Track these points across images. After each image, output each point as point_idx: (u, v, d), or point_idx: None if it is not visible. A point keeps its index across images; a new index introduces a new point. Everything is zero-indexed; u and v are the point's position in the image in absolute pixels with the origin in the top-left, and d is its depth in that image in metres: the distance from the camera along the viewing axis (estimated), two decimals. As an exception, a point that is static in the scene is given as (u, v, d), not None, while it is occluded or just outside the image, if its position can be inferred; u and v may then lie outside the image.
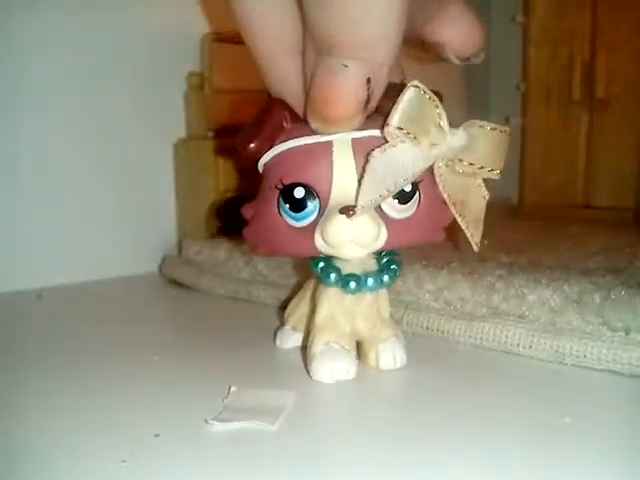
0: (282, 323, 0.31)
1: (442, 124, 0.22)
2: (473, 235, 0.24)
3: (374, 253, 0.25)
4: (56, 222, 0.42)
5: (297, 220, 0.23)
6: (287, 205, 0.23)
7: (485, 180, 0.24)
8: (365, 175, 0.22)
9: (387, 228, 0.23)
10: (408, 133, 0.22)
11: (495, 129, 0.23)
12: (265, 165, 0.25)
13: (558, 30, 0.62)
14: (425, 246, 0.25)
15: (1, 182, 0.40)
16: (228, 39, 0.46)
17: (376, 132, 0.23)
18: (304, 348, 0.27)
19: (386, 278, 0.25)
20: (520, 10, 0.65)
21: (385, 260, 0.26)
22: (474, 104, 0.69)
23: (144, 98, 0.45)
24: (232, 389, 0.24)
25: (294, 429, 0.21)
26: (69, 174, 0.43)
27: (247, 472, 0.18)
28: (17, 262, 0.41)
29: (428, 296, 0.32)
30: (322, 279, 0.25)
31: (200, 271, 0.42)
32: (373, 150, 0.22)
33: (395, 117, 0.22)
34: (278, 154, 0.24)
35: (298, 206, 0.23)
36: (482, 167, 0.23)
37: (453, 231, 0.25)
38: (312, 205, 0.23)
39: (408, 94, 0.22)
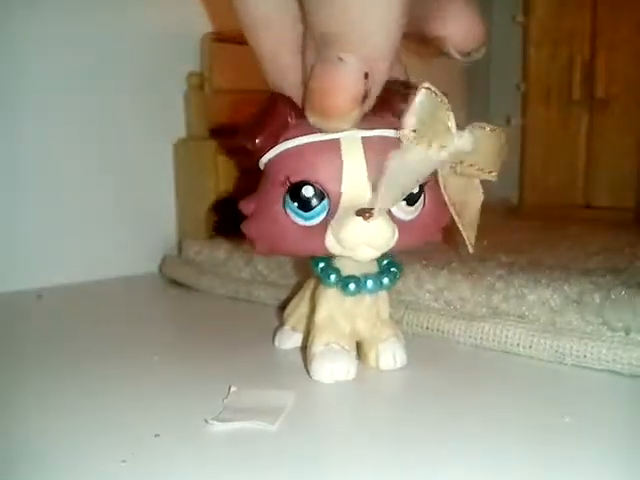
0: (281, 323, 0.31)
1: (450, 126, 0.22)
2: (469, 236, 0.24)
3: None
4: (56, 222, 0.42)
5: (306, 219, 0.23)
6: (295, 204, 0.23)
7: (482, 181, 0.24)
8: (384, 178, 0.22)
9: (397, 231, 0.23)
10: (422, 136, 0.22)
11: (494, 131, 0.23)
12: (269, 161, 0.24)
13: (558, 30, 0.62)
14: (424, 246, 0.25)
15: (1, 182, 0.40)
16: (228, 39, 0.46)
17: (386, 132, 0.23)
18: (304, 348, 0.27)
19: (386, 280, 0.25)
20: (520, 10, 0.65)
21: (385, 262, 0.26)
22: (474, 104, 0.69)
23: (144, 98, 0.45)
24: (232, 389, 0.24)
25: (294, 429, 0.21)
26: (69, 174, 0.43)
27: (247, 472, 0.18)
28: (17, 262, 0.41)
29: (428, 296, 0.32)
30: (322, 280, 0.25)
31: (200, 271, 0.42)
32: (391, 153, 0.22)
33: (409, 120, 0.22)
34: (284, 151, 0.23)
35: (306, 205, 0.23)
36: (481, 169, 0.23)
37: (451, 232, 0.25)
38: (321, 205, 0.23)
39: (420, 96, 0.22)
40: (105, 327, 0.34)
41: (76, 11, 0.41)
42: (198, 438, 0.20)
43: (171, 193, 0.48)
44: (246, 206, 0.25)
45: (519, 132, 0.65)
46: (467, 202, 0.24)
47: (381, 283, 0.25)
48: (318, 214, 0.23)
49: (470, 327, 0.29)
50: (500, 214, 0.63)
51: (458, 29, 0.24)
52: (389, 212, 0.23)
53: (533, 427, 0.21)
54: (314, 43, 0.22)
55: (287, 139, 0.23)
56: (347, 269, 0.25)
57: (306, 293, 0.29)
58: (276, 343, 0.30)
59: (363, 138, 0.23)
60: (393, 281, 0.26)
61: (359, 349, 0.27)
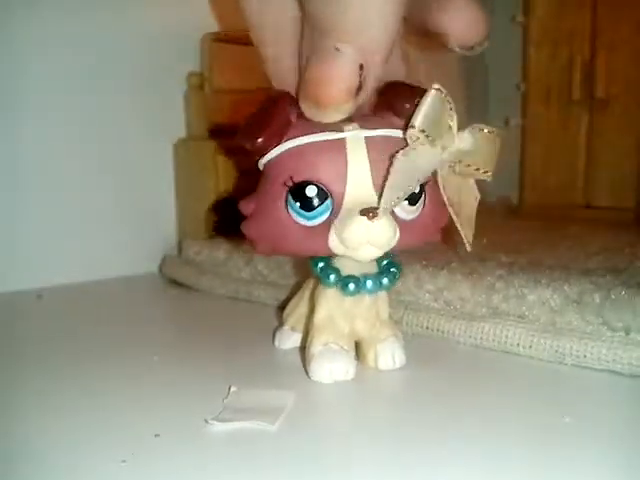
0: (281, 323, 0.30)
1: (452, 126, 0.22)
2: (467, 235, 0.24)
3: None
4: (56, 222, 0.42)
5: (308, 219, 0.23)
6: (297, 203, 0.23)
7: (481, 181, 0.24)
8: (389, 177, 0.22)
9: (399, 230, 0.23)
10: (428, 136, 0.22)
11: (492, 132, 0.23)
12: (269, 162, 0.24)
13: (558, 30, 0.62)
14: (424, 246, 0.25)
15: (1, 182, 0.40)
16: (228, 39, 0.46)
17: (389, 131, 0.23)
18: (303, 348, 0.27)
19: (385, 281, 0.25)
20: (520, 10, 0.65)
21: (385, 263, 0.26)
22: (474, 104, 0.69)
23: (144, 98, 0.45)
24: (232, 389, 0.24)
25: (294, 429, 0.21)
26: (69, 174, 0.43)
27: (247, 472, 0.18)
28: (17, 262, 0.41)
29: (428, 296, 0.32)
30: (321, 279, 0.25)
31: (200, 271, 0.42)
32: (397, 152, 0.22)
33: (419, 120, 0.22)
34: (286, 150, 0.23)
35: (309, 205, 0.23)
36: (478, 169, 0.23)
37: (450, 232, 0.25)
38: (324, 205, 0.23)
39: (431, 97, 0.22)
40: (105, 327, 0.34)
41: (76, 11, 0.41)
42: (198, 438, 0.20)
43: (171, 193, 0.48)
44: (246, 206, 0.24)
45: (519, 132, 0.65)
46: (462, 202, 0.24)
47: (380, 283, 0.25)
48: (321, 214, 0.23)
49: (470, 327, 0.29)
50: (500, 214, 0.63)
51: (461, 25, 0.24)
52: (391, 212, 0.23)
53: (533, 427, 0.21)
54: (311, 34, 0.22)
55: (289, 139, 0.23)
56: (347, 269, 0.25)
57: (305, 293, 0.29)
58: (276, 343, 0.30)
59: (366, 138, 0.23)
60: (392, 281, 0.25)
61: (358, 349, 0.27)
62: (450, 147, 0.22)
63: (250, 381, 0.25)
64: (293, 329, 0.29)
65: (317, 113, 0.23)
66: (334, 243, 0.23)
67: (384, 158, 0.22)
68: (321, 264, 0.25)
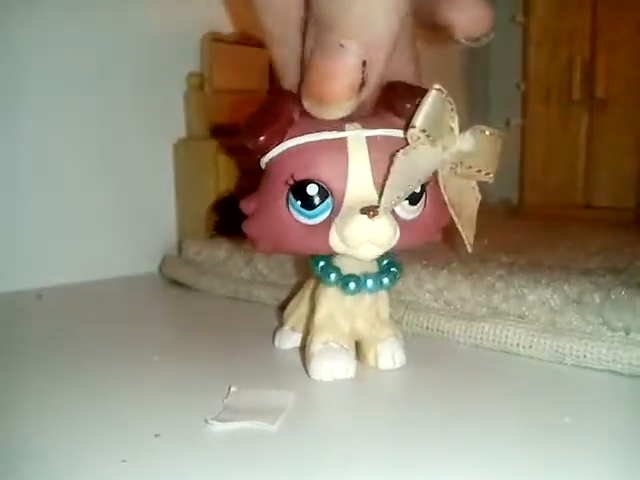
0: (281, 323, 0.30)
1: (454, 127, 0.22)
2: (468, 236, 0.24)
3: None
4: (56, 222, 0.42)
5: (309, 217, 0.23)
6: (298, 202, 0.23)
7: (480, 182, 0.24)
8: (390, 176, 0.22)
9: (399, 230, 0.23)
10: (429, 136, 0.22)
11: (493, 134, 0.23)
12: (271, 160, 0.24)
13: (558, 30, 0.62)
14: (425, 246, 0.26)
15: (1, 182, 0.40)
16: (228, 39, 0.47)
17: (390, 131, 0.23)
18: (303, 348, 0.27)
19: (386, 280, 0.25)
20: (520, 10, 0.65)
21: (385, 262, 0.26)
22: (474, 104, 0.69)
23: (144, 98, 0.45)
24: (232, 389, 0.24)
25: (294, 429, 0.21)
26: (69, 174, 0.43)
27: (247, 472, 0.18)
28: (17, 262, 0.41)
29: (428, 296, 0.32)
30: (322, 279, 0.25)
31: (200, 271, 0.42)
32: (397, 151, 0.22)
33: (420, 119, 0.22)
34: (287, 149, 0.23)
35: (310, 203, 0.23)
36: (479, 170, 0.23)
37: (450, 233, 0.25)
38: (325, 204, 0.23)
39: (431, 97, 0.22)
40: (105, 327, 0.34)
41: (76, 11, 0.41)
42: (198, 438, 0.20)
43: (171, 193, 0.48)
44: (247, 205, 0.24)
45: (519, 132, 0.65)
46: (463, 203, 0.24)
47: (381, 283, 0.25)
48: (322, 212, 0.23)
49: (470, 327, 0.29)
50: (500, 214, 0.63)
51: (467, 16, 0.24)
52: (392, 211, 0.23)
53: (533, 427, 0.21)
54: (314, 30, 0.22)
55: (291, 137, 0.23)
56: (347, 268, 0.25)
57: (306, 293, 0.29)
58: (276, 343, 0.30)
59: (367, 138, 0.23)
60: (393, 281, 0.26)
61: (358, 349, 0.27)
62: (451, 148, 0.23)
63: (250, 381, 0.25)
64: (293, 329, 0.29)
65: (319, 109, 0.23)
66: (335, 241, 0.23)
67: (385, 157, 0.22)
68: (322, 263, 0.25)
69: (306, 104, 0.23)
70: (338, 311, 0.26)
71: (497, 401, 0.23)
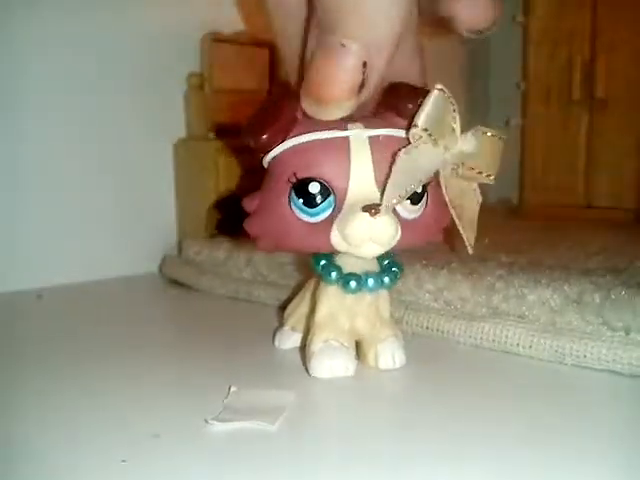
0: (281, 323, 0.31)
1: (455, 128, 0.22)
2: (469, 238, 0.24)
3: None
4: (56, 222, 0.42)
5: (311, 215, 0.23)
6: (300, 200, 0.23)
7: (480, 184, 0.24)
8: (392, 175, 0.22)
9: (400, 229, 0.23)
10: (431, 135, 0.22)
11: (495, 136, 0.23)
12: (274, 158, 0.24)
13: (558, 30, 0.62)
14: (425, 246, 0.26)
15: (1, 182, 0.40)
16: (228, 40, 0.47)
17: (392, 131, 0.23)
18: (303, 348, 0.27)
19: (387, 279, 0.25)
20: (520, 10, 0.65)
21: (386, 262, 0.26)
22: (474, 104, 0.69)
23: (144, 98, 0.45)
24: (232, 389, 0.24)
25: (294, 429, 0.21)
26: (69, 174, 0.43)
27: (247, 472, 0.18)
28: (17, 262, 0.41)
29: (428, 296, 0.32)
30: (323, 277, 0.25)
31: (200, 271, 0.42)
32: (399, 150, 0.22)
33: (422, 119, 0.22)
34: (290, 147, 0.24)
35: (312, 201, 0.23)
36: (481, 172, 0.23)
37: (450, 233, 0.25)
38: (327, 202, 0.23)
39: (434, 97, 0.22)
40: (105, 327, 0.34)
41: (76, 11, 0.41)
42: (198, 438, 0.20)
43: (171, 193, 0.48)
44: (249, 203, 0.25)
45: (519, 132, 0.65)
46: (464, 205, 0.24)
47: (382, 282, 0.25)
48: (324, 210, 0.23)
49: (470, 327, 0.29)
50: (500, 214, 0.63)
51: (471, 9, 0.24)
52: (393, 210, 0.23)
53: (533, 427, 0.21)
54: (317, 30, 0.22)
55: (294, 136, 0.23)
56: (348, 267, 0.25)
57: (306, 294, 0.29)
58: (276, 343, 0.30)
59: (370, 137, 0.23)
60: (394, 280, 0.26)
61: (358, 349, 0.27)
62: (453, 148, 0.23)
63: (250, 381, 0.25)
64: (293, 329, 0.29)
65: (318, 109, 0.23)
66: (336, 240, 0.23)
67: (387, 157, 0.22)
68: (323, 262, 0.25)
69: (305, 104, 0.23)
70: (339, 310, 0.26)
71: (497, 401, 0.23)
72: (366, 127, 0.23)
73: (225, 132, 0.46)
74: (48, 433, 0.21)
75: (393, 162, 0.22)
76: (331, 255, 0.25)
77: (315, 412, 0.23)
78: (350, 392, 0.25)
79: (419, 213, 0.24)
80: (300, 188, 0.23)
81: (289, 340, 0.29)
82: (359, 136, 0.23)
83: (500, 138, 0.24)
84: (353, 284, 0.25)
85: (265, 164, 0.25)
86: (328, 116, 0.23)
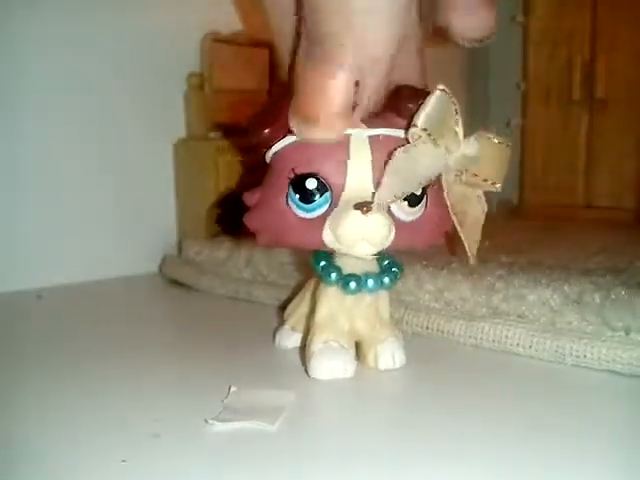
0: (281, 323, 0.31)
1: (458, 131, 0.22)
2: (470, 246, 0.24)
3: (376, 254, 0.25)
4: (56, 222, 0.42)
5: (307, 211, 0.23)
6: (297, 195, 0.23)
7: (485, 192, 0.24)
8: (386, 173, 0.22)
9: (395, 230, 0.23)
10: (430, 135, 0.22)
11: (502, 143, 0.23)
12: (275, 154, 0.24)
13: (558, 30, 0.62)
14: (425, 249, 0.25)
15: (1, 182, 0.40)
16: (228, 40, 0.47)
17: (393, 131, 0.23)
18: (303, 348, 0.27)
19: (386, 280, 0.25)
20: (520, 10, 0.65)
21: (386, 262, 0.26)
22: (474, 104, 0.69)
23: (144, 98, 0.45)
24: (232, 389, 0.24)
25: (294, 429, 0.21)
26: (69, 174, 0.43)
27: (247, 472, 0.18)
28: (17, 262, 0.41)
29: (428, 296, 0.32)
30: (323, 278, 0.25)
31: (200, 271, 0.42)
32: (396, 149, 0.22)
33: (421, 118, 0.22)
34: (291, 143, 0.24)
35: (308, 197, 0.23)
36: (485, 179, 0.23)
37: (452, 238, 0.25)
38: (323, 197, 0.23)
39: (435, 97, 0.22)
40: (105, 327, 0.34)
41: (76, 11, 0.41)
42: (198, 438, 0.20)
43: (171, 193, 0.48)
44: (250, 198, 0.25)
45: (519, 132, 0.65)
46: (468, 212, 0.24)
47: (382, 282, 0.25)
48: (320, 206, 0.23)
49: (470, 327, 0.29)
50: (500, 214, 0.63)
51: (470, 21, 0.24)
52: (389, 211, 0.23)
53: (533, 427, 0.21)
54: (306, 43, 0.22)
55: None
56: (348, 268, 0.25)
57: (306, 294, 0.29)
58: (276, 342, 0.30)
59: (370, 137, 0.23)
60: (394, 281, 0.26)
61: (358, 349, 0.27)
62: (455, 152, 0.22)
63: (250, 381, 0.25)
64: (293, 329, 0.29)
65: (306, 133, 0.22)
66: (328, 237, 0.23)
67: (386, 156, 0.22)
68: (323, 262, 0.25)
69: (293, 123, 0.22)
70: (339, 311, 0.26)
71: (497, 401, 0.23)
72: (367, 126, 0.23)
73: (231, 131, 0.46)
74: (48, 433, 0.21)
75: (389, 160, 0.22)
76: (331, 256, 0.25)
77: (315, 412, 0.23)
78: (350, 392, 0.25)
79: (417, 215, 0.24)
80: (298, 184, 0.23)
81: (289, 339, 0.29)
82: (359, 135, 0.23)
83: (506, 145, 0.23)
84: (353, 285, 0.25)
85: (268, 159, 0.25)
86: (319, 137, 0.22)
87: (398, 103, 0.23)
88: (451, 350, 0.29)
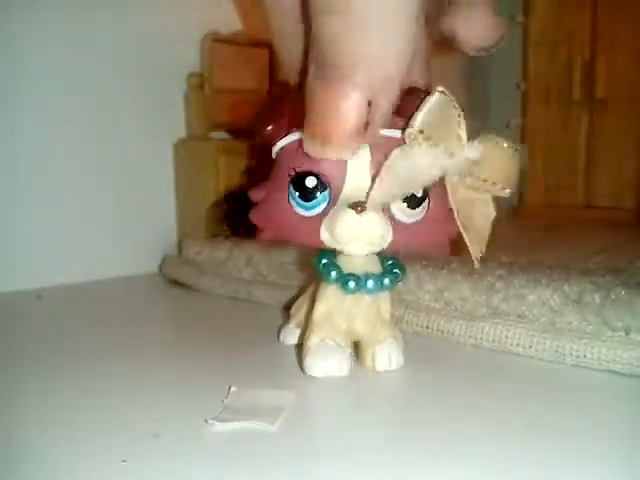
0: (286, 321, 0.31)
1: (461, 135, 0.22)
2: (474, 251, 0.24)
3: (378, 255, 0.25)
4: (56, 222, 0.42)
5: (306, 209, 0.24)
6: (297, 193, 0.24)
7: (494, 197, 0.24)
8: (381, 173, 0.22)
9: (393, 230, 0.23)
10: (428, 137, 0.22)
11: (511, 148, 0.23)
12: (280, 150, 0.25)
13: (558, 30, 0.62)
14: (428, 252, 0.25)
15: (1, 182, 0.40)
16: (228, 40, 0.47)
17: (392, 132, 0.23)
18: (300, 345, 0.27)
19: (387, 281, 0.25)
20: (520, 10, 0.65)
21: (389, 263, 0.26)
22: (474, 104, 0.69)
23: (144, 98, 0.45)
24: (232, 389, 0.24)
25: (294, 429, 0.21)
26: (69, 174, 0.43)
27: (247, 472, 0.18)
28: (17, 262, 0.41)
29: (428, 296, 0.32)
30: (323, 276, 0.25)
31: (200, 271, 0.42)
32: (392, 150, 0.22)
33: (418, 120, 0.22)
34: (294, 141, 0.24)
35: (308, 195, 0.23)
36: (494, 183, 0.23)
37: (457, 245, 0.25)
38: (322, 196, 0.23)
39: (433, 99, 0.22)
40: (105, 327, 0.34)
41: (76, 11, 0.41)
42: (198, 438, 0.20)
43: (171, 193, 0.48)
44: (256, 193, 0.25)
45: (519, 132, 0.65)
46: (474, 217, 0.24)
47: (382, 283, 0.25)
48: (319, 204, 0.23)
49: (470, 327, 0.29)
50: (500, 214, 0.63)
51: (476, 30, 0.24)
52: (388, 212, 0.23)
53: (533, 427, 0.21)
54: (315, 65, 0.21)
55: (299, 129, 0.24)
56: (349, 267, 0.25)
57: (311, 293, 0.29)
58: (281, 339, 0.30)
59: None
60: (394, 282, 0.25)
61: (357, 350, 0.27)
62: (458, 155, 0.22)
63: (250, 381, 0.25)
64: (298, 327, 0.29)
65: (320, 150, 0.22)
66: (324, 235, 0.23)
67: (385, 157, 0.22)
68: (324, 261, 0.25)
69: (307, 144, 0.23)
70: (337, 310, 0.26)
71: (497, 401, 0.23)
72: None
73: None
74: (48, 433, 0.21)
75: (385, 160, 0.22)
76: (333, 254, 0.25)
77: (315, 412, 0.23)
78: (350, 392, 0.25)
79: (418, 218, 0.24)
80: (298, 181, 0.23)
81: (292, 336, 0.30)
82: None
83: (516, 150, 0.23)
84: (352, 284, 0.25)
85: (274, 155, 0.25)
86: (332, 156, 0.22)
87: (399, 104, 0.23)
88: (451, 350, 0.29)
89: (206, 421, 0.21)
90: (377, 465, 0.19)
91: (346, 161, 0.23)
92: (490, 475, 0.18)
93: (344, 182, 0.23)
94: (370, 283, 0.25)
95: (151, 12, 0.45)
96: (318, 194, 0.23)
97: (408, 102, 0.23)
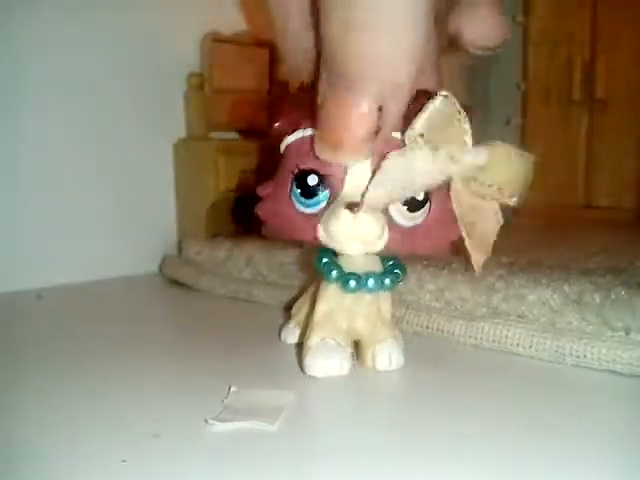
0: (287, 321, 0.31)
1: (466, 140, 0.22)
2: (476, 257, 0.24)
3: (380, 256, 0.25)
4: (56, 222, 0.42)
5: (306, 207, 0.24)
6: (299, 190, 0.24)
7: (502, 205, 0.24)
8: (376, 174, 0.22)
9: (392, 233, 0.23)
10: (428, 141, 0.22)
11: (520, 155, 0.23)
12: (286, 147, 0.25)
13: (558, 30, 0.62)
14: (429, 255, 0.25)
15: (1, 182, 0.40)
16: (228, 40, 0.47)
17: (397, 135, 0.23)
18: (300, 345, 0.27)
19: (387, 281, 0.25)
20: (520, 10, 0.65)
21: (390, 263, 0.26)
22: (474, 104, 0.69)
23: (144, 98, 0.45)
24: (232, 389, 0.24)
25: (294, 429, 0.21)
26: (69, 174, 0.43)
27: (247, 472, 0.18)
28: (17, 262, 0.41)
29: (429, 296, 0.32)
30: (324, 275, 0.25)
31: (200, 271, 0.42)
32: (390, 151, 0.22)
33: (418, 123, 0.22)
34: (299, 138, 0.24)
35: (309, 193, 0.24)
36: (500, 189, 0.23)
37: (459, 249, 0.25)
38: (323, 194, 0.24)
39: (436, 103, 0.21)
40: (105, 327, 0.34)
41: (76, 11, 0.41)
42: (198, 438, 0.20)
43: (171, 193, 0.48)
44: (263, 189, 0.26)
45: (519, 132, 0.65)
46: (478, 224, 0.23)
47: (382, 283, 0.25)
48: (318, 203, 0.24)
49: (470, 327, 0.29)
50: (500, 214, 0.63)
51: (481, 30, 0.24)
52: (387, 215, 0.23)
53: (533, 427, 0.21)
54: (326, 73, 0.22)
55: (305, 128, 0.24)
56: (350, 266, 0.25)
57: (312, 293, 0.29)
58: (282, 338, 0.30)
59: None
60: (395, 282, 0.26)
61: (357, 349, 0.27)
62: (460, 161, 0.22)
63: (250, 381, 0.25)
64: (298, 326, 0.29)
65: (333, 155, 0.23)
66: (321, 233, 0.24)
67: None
68: (325, 260, 0.25)
69: (318, 149, 0.23)
70: (337, 309, 0.26)
71: (497, 401, 0.23)
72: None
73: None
74: (48, 433, 0.21)
75: (382, 161, 0.22)
76: (334, 253, 0.25)
77: (315, 412, 0.23)
78: (350, 391, 0.25)
79: (419, 221, 0.24)
80: (300, 179, 0.24)
81: (292, 335, 0.30)
82: None
83: (522, 156, 0.23)
84: (352, 284, 0.25)
85: (282, 151, 0.25)
86: (344, 161, 0.23)
87: (407, 108, 0.23)
88: (451, 350, 0.29)
89: (206, 421, 0.21)
90: (377, 465, 0.19)
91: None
92: (490, 475, 0.18)
93: (344, 182, 0.23)
94: (371, 282, 0.25)
95: (151, 12, 0.45)
96: (319, 192, 0.24)
97: (416, 106, 0.23)
